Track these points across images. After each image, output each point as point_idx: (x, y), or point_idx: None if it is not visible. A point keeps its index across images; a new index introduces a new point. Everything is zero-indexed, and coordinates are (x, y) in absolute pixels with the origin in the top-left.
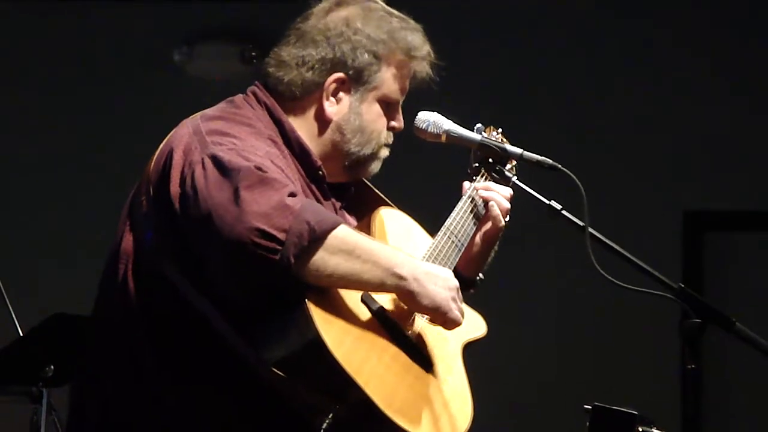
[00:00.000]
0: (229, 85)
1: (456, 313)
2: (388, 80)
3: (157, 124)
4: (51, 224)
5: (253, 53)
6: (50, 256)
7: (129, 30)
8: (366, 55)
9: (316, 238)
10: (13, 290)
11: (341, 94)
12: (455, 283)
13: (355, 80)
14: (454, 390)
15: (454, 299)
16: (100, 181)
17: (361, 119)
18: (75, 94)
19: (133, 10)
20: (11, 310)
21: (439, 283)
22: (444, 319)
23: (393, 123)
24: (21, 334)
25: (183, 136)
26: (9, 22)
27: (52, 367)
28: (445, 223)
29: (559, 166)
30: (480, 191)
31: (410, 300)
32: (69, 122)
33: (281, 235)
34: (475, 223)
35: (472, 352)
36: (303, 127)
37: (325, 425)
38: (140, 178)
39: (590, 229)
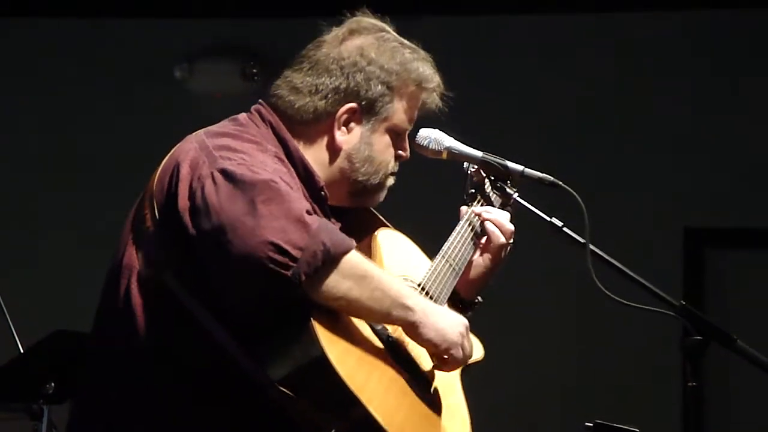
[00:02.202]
0: (229, 102)
1: (459, 351)
2: (398, 111)
3: (158, 140)
4: (52, 238)
5: (254, 70)
6: (50, 270)
7: (130, 46)
8: (379, 87)
9: (331, 259)
10: (12, 305)
11: (353, 124)
12: (466, 322)
13: (367, 111)
14: (453, 412)
15: (462, 335)
16: (100, 196)
17: (371, 149)
18: (76, 109)
19: (134, 26)
20: (11, 325)
21: (448, 320)
22: (447, 354)
23: (400, 152)
24: (21, 351)
25: (189, 150)
26: (9, 37)
27: (52, 383)
28: (443, 248)
29: (560, 183)
30: (483, 214)
31: (415, 331)
32: (70, 137)
33: (296, 252)
34: (473, 248)
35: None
36: (310, 152)
37: None
38: (143, 192)
39: (591, 246)
